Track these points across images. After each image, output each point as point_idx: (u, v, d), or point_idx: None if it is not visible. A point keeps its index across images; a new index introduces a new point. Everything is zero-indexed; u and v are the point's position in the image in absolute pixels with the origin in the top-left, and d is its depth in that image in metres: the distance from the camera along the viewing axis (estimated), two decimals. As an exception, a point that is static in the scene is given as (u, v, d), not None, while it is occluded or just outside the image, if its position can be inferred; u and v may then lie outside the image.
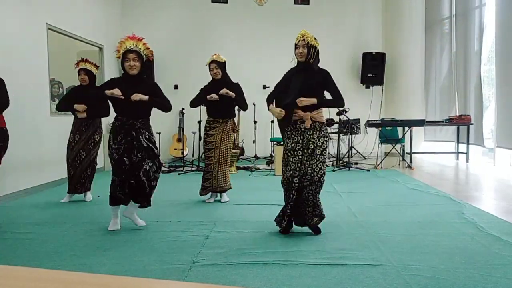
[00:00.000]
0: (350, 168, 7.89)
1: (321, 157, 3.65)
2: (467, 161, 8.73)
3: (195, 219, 4.26)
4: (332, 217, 4.30)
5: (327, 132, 3.75)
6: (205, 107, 5.17)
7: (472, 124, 8.51)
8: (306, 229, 3.83)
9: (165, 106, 3.94)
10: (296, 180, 3.63)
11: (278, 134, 8.99)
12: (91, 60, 5.30)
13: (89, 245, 3.48)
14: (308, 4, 9.94)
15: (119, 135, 3.78)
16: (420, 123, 8.19)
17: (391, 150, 8.54)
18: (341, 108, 7.69)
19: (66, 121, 6.98)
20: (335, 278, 2.74)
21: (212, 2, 9.81)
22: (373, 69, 9.75)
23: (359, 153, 9.49)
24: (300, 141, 3.66)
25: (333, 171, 7.66)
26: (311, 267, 2.93)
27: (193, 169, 7.71)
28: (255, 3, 9.52)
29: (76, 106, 5.05)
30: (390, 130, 8.76)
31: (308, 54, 3.64)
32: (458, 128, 9.04)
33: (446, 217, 4.28)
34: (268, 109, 3.87)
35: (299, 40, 3.66)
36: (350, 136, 8.55)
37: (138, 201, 3.91)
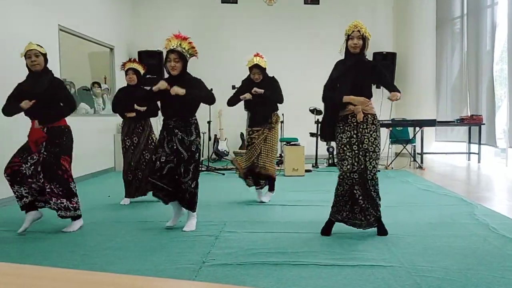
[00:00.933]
0: (360, 169, 7.85)
1: (374, 155, 3.58)
2: (479, 162, 8.64)
3: (205, 219, 4.27)
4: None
5: (379, 126, 3.67)
6: (247, 114, 5.24)
7: (484, 124, 8.42)
8: (315, 229, 3.82)
9: (206, 97, 3.88)
10: (356, 175, 3.54)
11: (287, 134, 9.00)
12: (137, 60, 5.30)
13: (100, 244, 3.50)
14: (318, 4, 9.91)
15: (161, 135, 3.89)
16: (431, 123, 8.13)
17: (401, 150, 8.47)
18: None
19: (77, 121, 7.04)
20: (345, 278, 2.73)
21: (222, 2, 9.83)
22: (383, 68, 9.68)
23: (369, 153, 9.43)
24: (354, 135, 3.57)
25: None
26: (321, 267, 2.92)
27: (203, 169, 7.72)
28: (265, 3, 9.51)
29: (136, 107, 5.01)
30: (400, 130, 8.70)
31: (363, 46, 3.56)
32: (469, 128, 8.95)
33: (457, 218, 4.24)
34: (337, 101, 3.61)
35: (353, 31, 3.53)
36: (360, 136, 8.50)
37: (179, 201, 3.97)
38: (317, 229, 3.83)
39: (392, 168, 7.97)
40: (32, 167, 3.80)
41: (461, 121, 8.65)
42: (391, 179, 6.81)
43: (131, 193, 5.10)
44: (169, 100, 3.76)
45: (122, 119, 5.30)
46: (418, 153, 8.48)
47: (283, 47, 9.61)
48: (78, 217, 3.94)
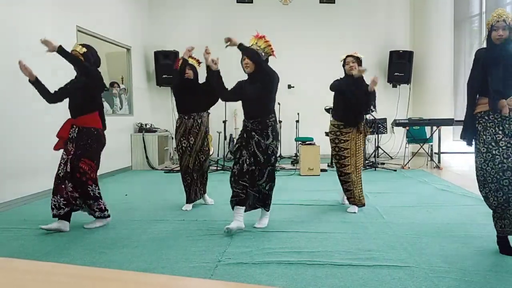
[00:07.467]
0: (377, 168, 7.80)
1: None
2: (498, 161, 8.48)
3: (221, 218, 4.28)
4: (358, 218, 4.26)
5: None
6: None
7: (503, 123, 8.27)
8: (331, 229, 3.81)
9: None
10: (509, 174, 3.11)
11: (303, 134, 8.98)
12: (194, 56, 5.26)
13: (117, 242, 3.54)
14: (334, 2, 9.84)
15: (242, 137, 3.84)
16: (449, 122, 8.02)
17: (418, 150, 8.38)
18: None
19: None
20: (361, 279, 2.71)
21: (237, 2, 9.84)
22: (400, 67, 9.60)
23: (386, 153, 9.36)
24: (500, 132, 3.19)
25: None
26: (337, 267, 2.91)
27: (218, 168, 7.75)
28: (280, 2, 9.50)
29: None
30: (417, 130, 8.61)
31: (509, 36, 3.25)
32: (488, 128, 8.80)
33: (476, 218, 4.18)
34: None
35: (498, 21, 3.23)
36: (377, 135, 8.44)
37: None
38: (332, 229, 3.82)
39: (409, 167, 7.89)
40: (64, 167, 3.84)
41: (479, 120, 8.51)
42: (408, 179, 6.75)
43: (192, 198, 4.86)
44: (247, 100, 3.76)
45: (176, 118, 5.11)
46: (435, 153, 8.38)
47: (298, 46, 9.57)
48: (103, 217, 4.04)
